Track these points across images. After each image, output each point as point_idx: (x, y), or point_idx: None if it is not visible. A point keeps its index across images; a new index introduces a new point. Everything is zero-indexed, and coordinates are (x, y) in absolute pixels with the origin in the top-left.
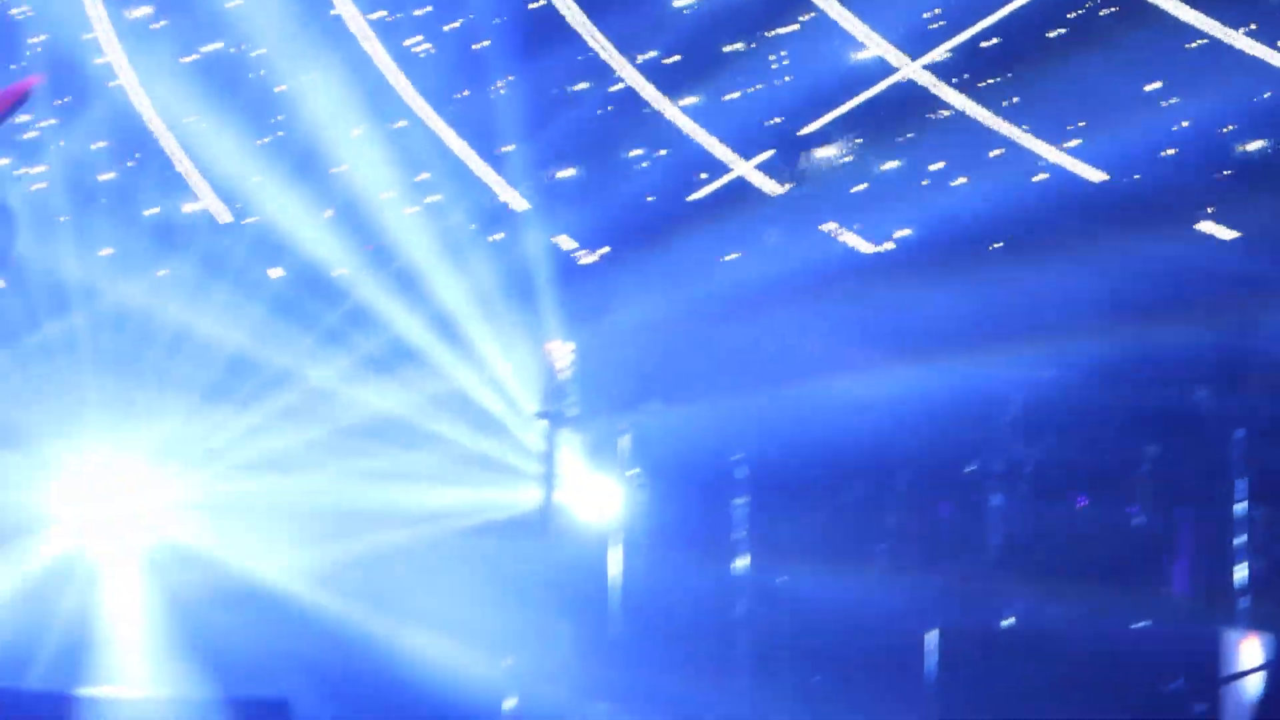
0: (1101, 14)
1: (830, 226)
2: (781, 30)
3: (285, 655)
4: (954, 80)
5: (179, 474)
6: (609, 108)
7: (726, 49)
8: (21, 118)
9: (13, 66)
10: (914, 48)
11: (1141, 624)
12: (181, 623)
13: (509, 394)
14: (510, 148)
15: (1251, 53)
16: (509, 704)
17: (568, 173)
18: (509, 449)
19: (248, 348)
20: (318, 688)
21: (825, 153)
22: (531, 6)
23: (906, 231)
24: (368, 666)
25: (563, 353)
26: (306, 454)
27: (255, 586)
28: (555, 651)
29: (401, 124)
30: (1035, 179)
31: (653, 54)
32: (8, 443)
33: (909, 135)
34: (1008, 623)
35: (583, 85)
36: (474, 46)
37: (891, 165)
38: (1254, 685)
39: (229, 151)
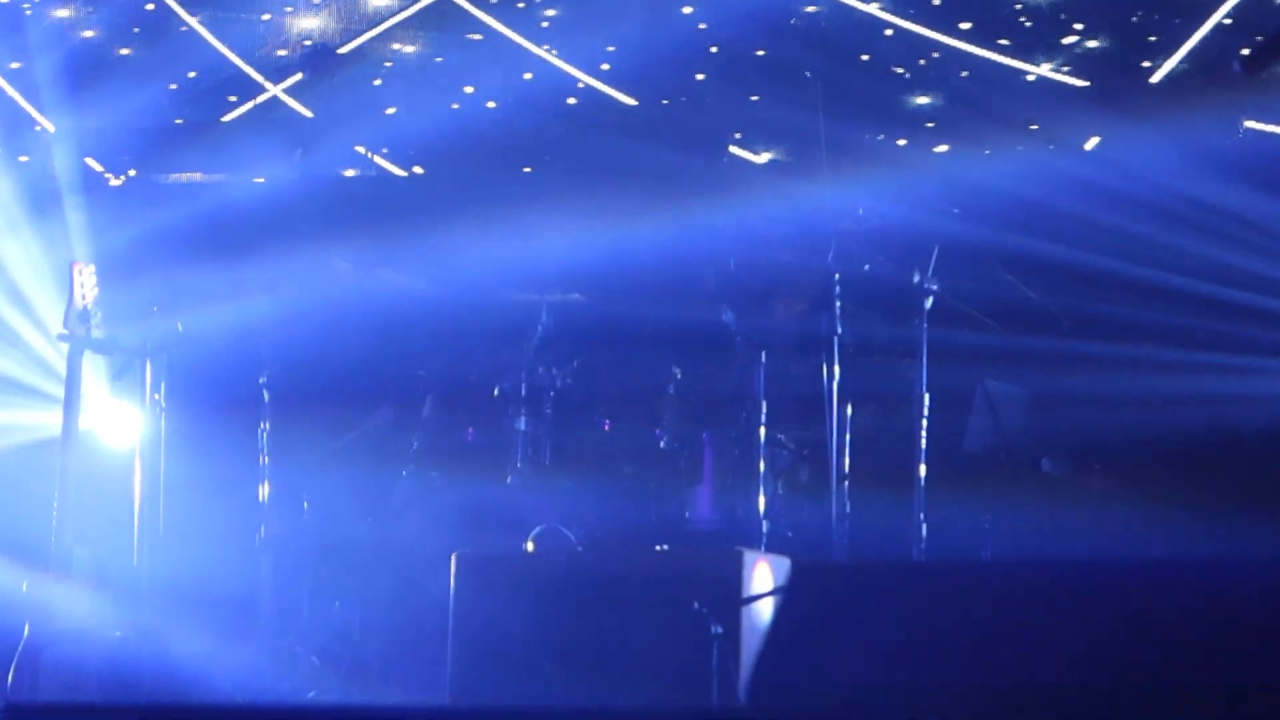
0: None
1: (361, 149)
2: None
3: None
4: (488, 3)
5: None
6: (136, 29)
7: None
8: None
9: None
10: None
11: (662, 546)
12: None
13: (33, 314)
14: (29, 67)
15: None
16: (26, 630)
17: (96, 94)
18: (31, 370)
19: None
20: None
21: (358, 74)
22: None
23: (436, 155)
24: None
25: (87, 274)
26: None
27: None
28: (75, 577)
29: None
30: (568, 102)
31: None
32: None
33: (440, 59)
34: (530, 546)
35: (111, 5)
36: None
37: (423, 88)
38: (770, 607)
39: None
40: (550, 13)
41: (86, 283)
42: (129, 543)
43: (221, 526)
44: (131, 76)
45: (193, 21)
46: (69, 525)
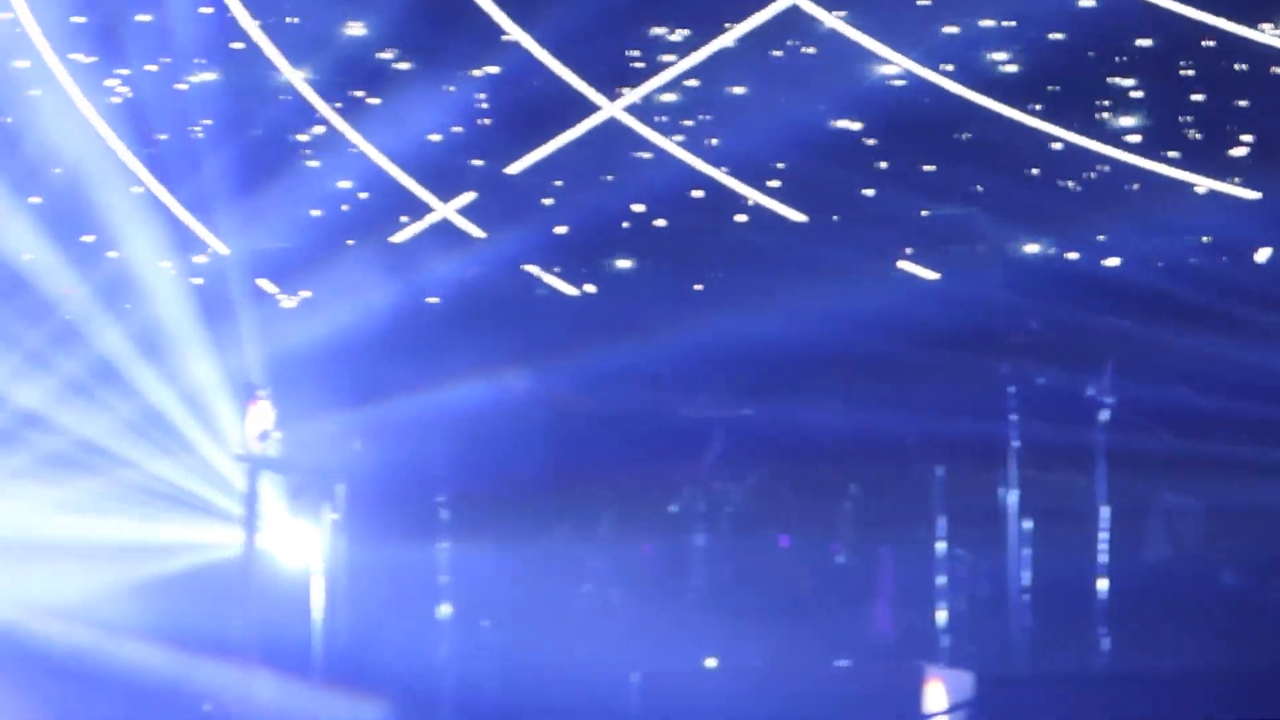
0: (803, 51)
1: (532, 268)
2: (483, 70)
3: None
4: (656, 121)
5: None
6: (309, 150)
7: (429, 90)
8: None
9: None
10: (616, 88)
11: (843, 662)
12: None
13: (214, 434)
14: (210, 191)
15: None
16: None
17: (270, 216)
18: (212, 489)
19: None
20: None
21: (531, 195)
22: (233, 46)
23: (607, 273)
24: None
25: (265, 395)
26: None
27: None
28: (257, 697)
29: (102, 165)
30: (737, 219)
31: (357, 95)
32: None
33: (610, 176)
34: (711, 663)
35: (285, 127)
36: (174, 87)
37: (594, 206)
38: None
39: None
40: (715, 132)
41: (264, 403)
42: (307, 660)
43: (402, 643)
44: (304, 196)
45: (361, 141)
46: (251, 641)
